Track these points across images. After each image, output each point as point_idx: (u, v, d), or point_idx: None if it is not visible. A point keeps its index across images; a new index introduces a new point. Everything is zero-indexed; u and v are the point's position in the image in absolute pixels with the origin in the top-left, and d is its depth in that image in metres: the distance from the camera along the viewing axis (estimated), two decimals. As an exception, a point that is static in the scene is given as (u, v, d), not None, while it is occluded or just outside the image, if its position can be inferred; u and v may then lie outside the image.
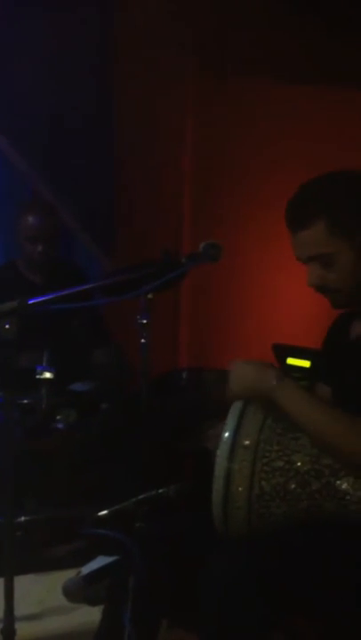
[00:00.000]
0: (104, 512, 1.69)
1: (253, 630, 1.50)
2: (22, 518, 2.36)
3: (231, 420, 1.65)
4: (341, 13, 3.79)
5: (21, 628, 1.77)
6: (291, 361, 3.86)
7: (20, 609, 1.78)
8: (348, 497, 1.58)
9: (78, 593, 2.11)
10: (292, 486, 1.60)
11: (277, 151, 4.09)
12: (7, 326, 1.67)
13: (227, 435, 1.63)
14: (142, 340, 2.41)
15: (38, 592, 2.25)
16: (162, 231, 3.96)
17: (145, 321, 2.39)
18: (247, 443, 1.62)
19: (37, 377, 2.66)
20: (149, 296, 2.37)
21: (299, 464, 1.61)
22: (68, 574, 2.20)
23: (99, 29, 3.74)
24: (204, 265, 2.36)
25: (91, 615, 1.98)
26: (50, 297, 1.86)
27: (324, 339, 2.02)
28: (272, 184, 4.01)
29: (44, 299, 1.84)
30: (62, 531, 2.56)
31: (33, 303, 1.78)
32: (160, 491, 1.68)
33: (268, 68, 3.95)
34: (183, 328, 4.20)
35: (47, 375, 2.66)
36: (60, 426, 2.78)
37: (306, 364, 3.53)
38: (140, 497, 1.68)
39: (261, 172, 4.05)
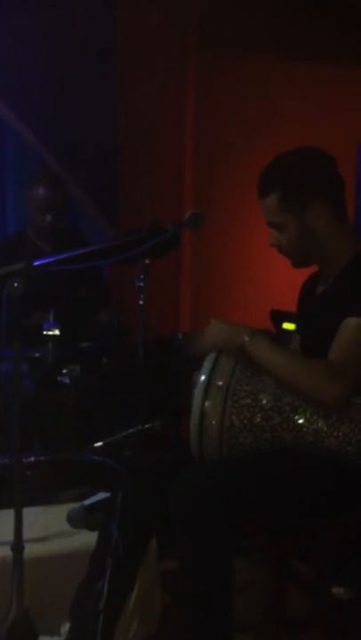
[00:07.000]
0: (99, 443, 1.95)
1: (216, 536, 1.74)
2: (31, 459, 2.58)
3: (207, 365, 1.89)
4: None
5: (30, 548, 1.98)
6: (286, 325, 4.09)
7: (29, 533, 1.98)
8: (304, 429, 1.84)
9: (80, 520, 2.39)
10: (258, 420, 1.85)
11: (273, 125, 4.26)
12: (15, 285, 1.86)
13: (203, 377, 1.87)
14: (140, 302, 2.64)
15: (45, 520, 2.46)
16: (163, 202, 4.09)
17: (142, 284, 2.61)
18: (220, 383, 1.86)
19: (45, 333, 2.86)
20: (146, 261, 2.60)
21: (264, 402, 1.85)
22: (72, 506, 2.49)
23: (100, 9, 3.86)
24: (203, 233, 2.56)
25: (89, 539, 2.19)
26: (53, 259, 2.02)
27: (298, 296, 2.27)
28: (269, 156, 4.19)
29: (48, 260, 2.00)
30: (66, 471, 2.81)
31: (38, 265, 1.95)
32: (146, 425, 1.94)
33: (265, 45, 4.13)
34: (183, 294, 4.34)
35: (54, 332, 2.87)
36: (65, 380, 3.00)
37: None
38: (129, 430, 1.94)
39: (258, 144, 4.20)
